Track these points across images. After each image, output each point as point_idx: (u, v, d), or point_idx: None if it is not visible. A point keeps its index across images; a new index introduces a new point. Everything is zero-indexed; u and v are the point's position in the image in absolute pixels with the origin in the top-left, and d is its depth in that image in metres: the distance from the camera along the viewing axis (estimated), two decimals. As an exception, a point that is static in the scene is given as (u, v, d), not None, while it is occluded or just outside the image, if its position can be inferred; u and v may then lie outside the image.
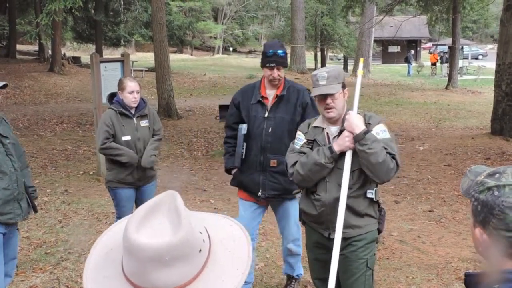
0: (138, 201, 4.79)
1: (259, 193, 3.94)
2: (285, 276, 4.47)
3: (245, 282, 4.15)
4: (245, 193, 4.10)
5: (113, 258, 1.20)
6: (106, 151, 4.61)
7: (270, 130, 3.85)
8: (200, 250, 1.14)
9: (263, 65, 3.87)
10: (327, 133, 3.12)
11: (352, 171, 2.96)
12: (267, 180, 3.90)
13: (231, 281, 1.17)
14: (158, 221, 1.13)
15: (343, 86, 3.09)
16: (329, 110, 3.04)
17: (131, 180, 4.67)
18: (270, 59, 3.80)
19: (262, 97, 3.92)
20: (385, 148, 2.90)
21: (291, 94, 3.89)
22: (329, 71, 3.04)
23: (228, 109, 4.22)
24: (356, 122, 2.91)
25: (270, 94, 3.93)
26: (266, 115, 3.87)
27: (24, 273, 4.64)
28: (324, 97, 3.02)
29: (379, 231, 3.18)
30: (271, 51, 3.80)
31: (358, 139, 2.88)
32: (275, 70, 3.81)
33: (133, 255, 1.09)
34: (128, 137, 4.60)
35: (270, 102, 3.91)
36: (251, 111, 3.94)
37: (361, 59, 3.67)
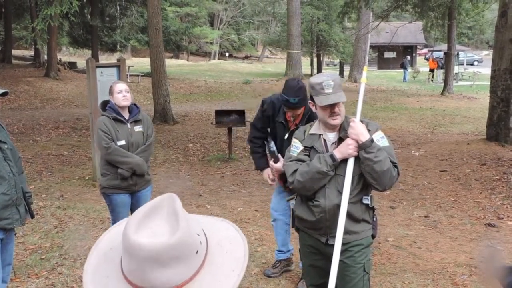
0: (134, 207, 4.77)
1: None
2: (280, 281, 4.47)
3: (282, 251, 4.15)
4: None
5: (112, 258, 1.23)
6: (111, 156, 4.55)
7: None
8: (197, 252, 1.17)
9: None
10: (324, 140, 3.11)
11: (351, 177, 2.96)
12: None
13: (226, 282, 1.19)
14: (157, 222, 1.17)
15: None
16: (335, 118, 3.01)
17: (126, 186, 4.66)
18: (286, 104, 4.09)
19: (286, 120, 4.29)
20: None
21: (308, 122, 4.19)
22: (334, 79, 2.99)
23: (258, 112, 4.59)
24: (361, 131, 2.92)
25: (292, 119, 4.29)
26: (286, 137, 4.23)
27: (19, 279, 4.62)
28: (331, 105, 2.99)
29: (373, 236, 3.19)
30: (286, 98, 4.04)
31: (364, 147, 2.88)
32: (290, 112, 4.17)
33: (132, 255, 1.12)
34: (122, 142, 4.60)
35: (291, 125, 4.26)
36: (276, 128, 4.36)
37: (365, 68, 3.68)
